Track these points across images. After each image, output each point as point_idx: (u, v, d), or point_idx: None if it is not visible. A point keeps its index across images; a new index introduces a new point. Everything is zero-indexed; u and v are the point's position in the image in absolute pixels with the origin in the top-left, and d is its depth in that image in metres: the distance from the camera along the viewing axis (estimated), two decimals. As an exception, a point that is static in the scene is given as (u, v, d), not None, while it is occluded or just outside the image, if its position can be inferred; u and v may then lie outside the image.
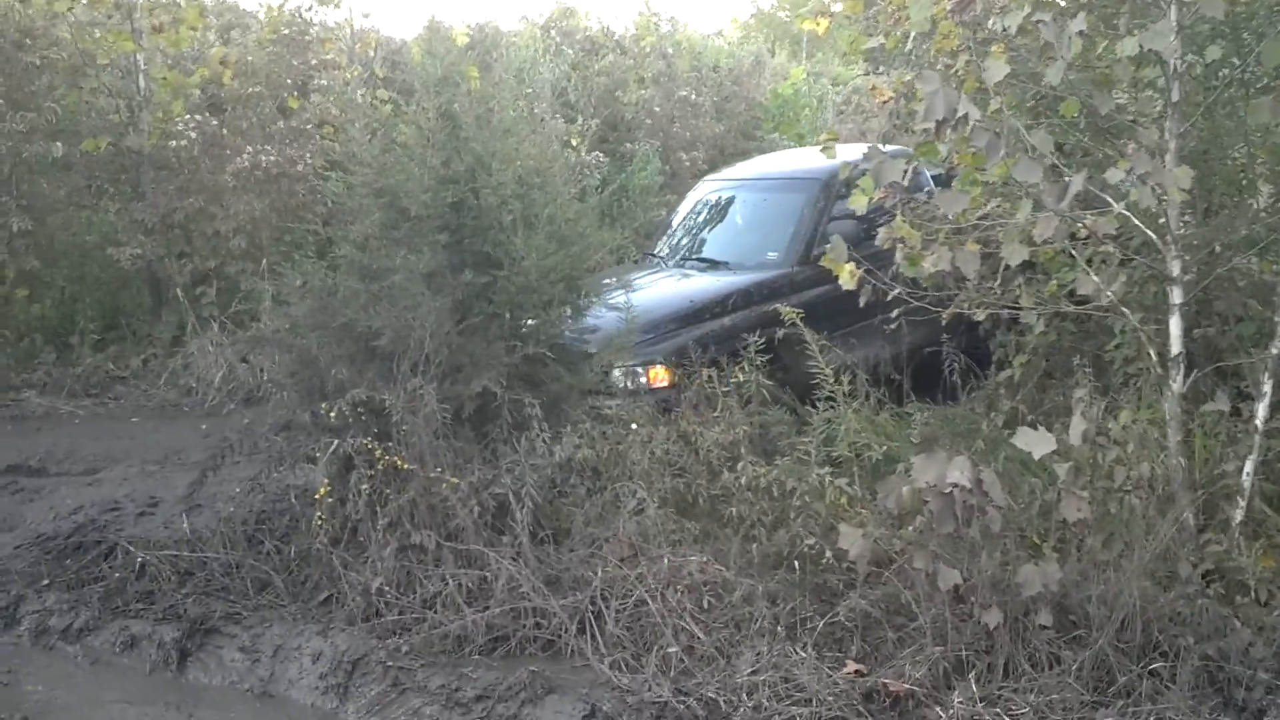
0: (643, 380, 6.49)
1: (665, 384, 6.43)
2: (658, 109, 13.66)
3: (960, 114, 4.23)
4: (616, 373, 6.37)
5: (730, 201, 8.40)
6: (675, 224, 8.60)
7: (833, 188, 7.38)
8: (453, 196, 5.89)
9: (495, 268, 5.90)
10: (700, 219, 8.40)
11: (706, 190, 8.69)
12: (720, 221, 8.29)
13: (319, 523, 5.27)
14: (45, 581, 5.55)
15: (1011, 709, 4.02)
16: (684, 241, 8.25)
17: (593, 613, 4.72)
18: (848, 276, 5.01)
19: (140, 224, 10.17)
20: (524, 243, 5.85)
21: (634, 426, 5.61)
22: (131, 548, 5.56)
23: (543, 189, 6.17)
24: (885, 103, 6.27)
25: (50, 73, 10.04)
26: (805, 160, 8.54)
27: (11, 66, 9.77)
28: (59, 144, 9.76)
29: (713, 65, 15.34)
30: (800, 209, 7.58)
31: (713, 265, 7.65)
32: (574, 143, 8.70)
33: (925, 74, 4.49)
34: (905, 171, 4.71)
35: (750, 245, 7.73)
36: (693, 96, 14.01)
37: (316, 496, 5.30)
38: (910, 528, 4.47)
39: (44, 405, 8.91)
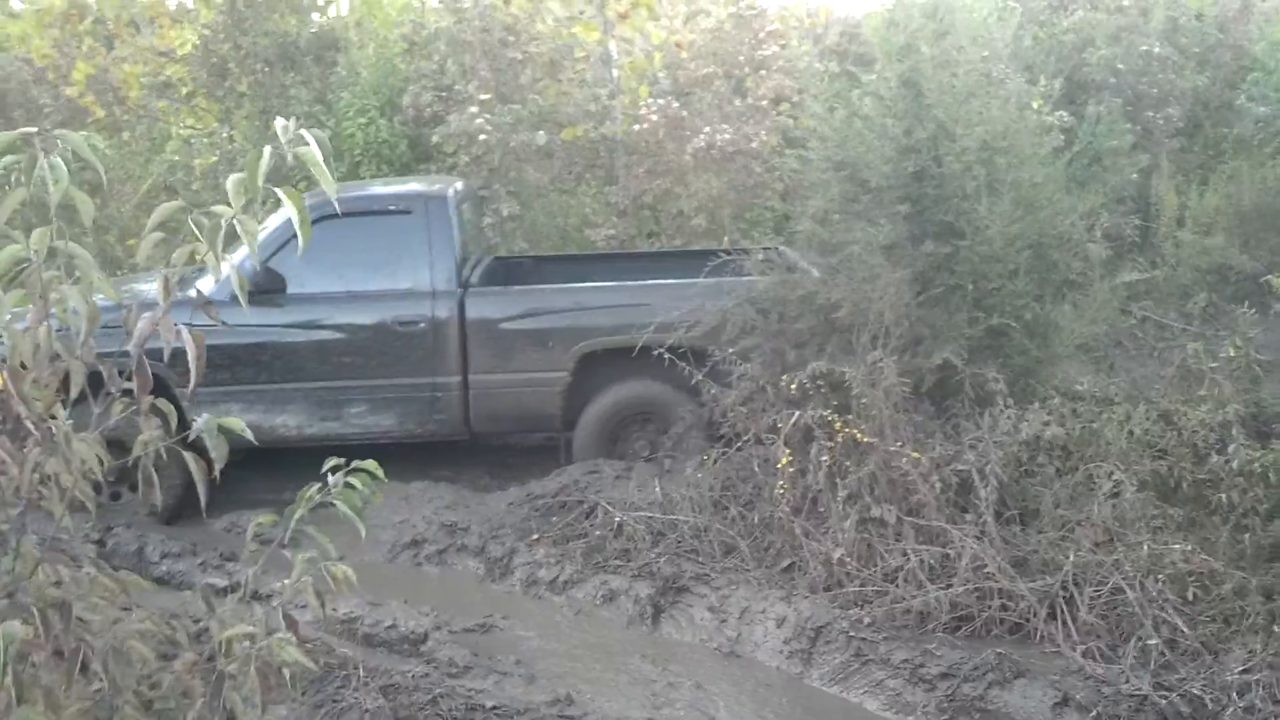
0: None
1: None
2: (1120, 65, 12.67)
3: None
4: None
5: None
6: None
7: None
8: (914, 166, 5.81)
9: (957, 237, 5.76)
10: None
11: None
12: None
13: (781, 492, 5.39)
14: (534, 536, 6.01)
15: None
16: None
17: (1064, 598, 4.53)
18: None
19: (614, 206, 10.87)
20: (988, 210, 5.66)
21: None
22: (610, 508, 5.93)
23: (1007, 153, 5.94)
24: None
25: (532, 66, 10.91)
26: None
27: (498, 62, 10.71)
28: (541, 133, 10.60)
29: (1196, 14, 13.96)
30: None
31: None
32: (1036, 105, 8.26)
33: None
34: None
35: None
36: (1155, 49, 12.86)
37: (778, 466, 5.43)
38: None
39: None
